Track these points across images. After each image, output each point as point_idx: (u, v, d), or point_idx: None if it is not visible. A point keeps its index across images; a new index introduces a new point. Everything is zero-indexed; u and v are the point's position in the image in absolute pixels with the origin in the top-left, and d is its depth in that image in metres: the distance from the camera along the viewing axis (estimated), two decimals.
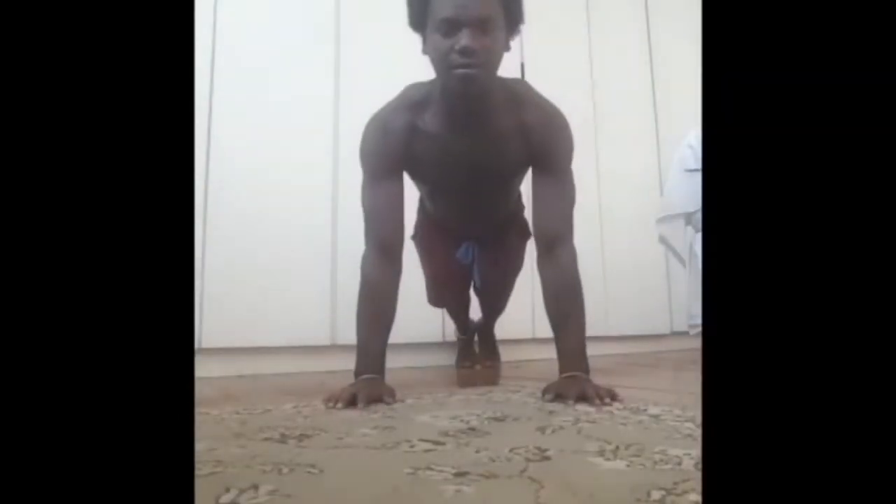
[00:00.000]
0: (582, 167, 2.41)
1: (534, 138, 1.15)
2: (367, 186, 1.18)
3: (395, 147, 1.15)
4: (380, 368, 1.12)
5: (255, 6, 1.92)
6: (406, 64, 2.11)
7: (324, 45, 2.01)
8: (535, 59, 2.34)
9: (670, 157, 2.40)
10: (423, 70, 1.13)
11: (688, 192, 2.18)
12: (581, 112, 2.48)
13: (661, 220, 2.28)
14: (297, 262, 1.85)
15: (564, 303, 1.14)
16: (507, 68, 1.08)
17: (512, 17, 1.09)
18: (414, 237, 1.42)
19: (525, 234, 1.42)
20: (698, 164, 2.17)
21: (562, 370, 1.10)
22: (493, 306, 1.55)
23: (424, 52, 1.11)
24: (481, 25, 1.01)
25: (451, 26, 1.01)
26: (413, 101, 1.15)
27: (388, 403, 1.03)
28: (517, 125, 1.14)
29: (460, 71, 1.02)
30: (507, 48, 1.11)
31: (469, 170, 1.17)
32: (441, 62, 1.05)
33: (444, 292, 1.48)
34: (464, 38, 1.00)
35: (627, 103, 2.60)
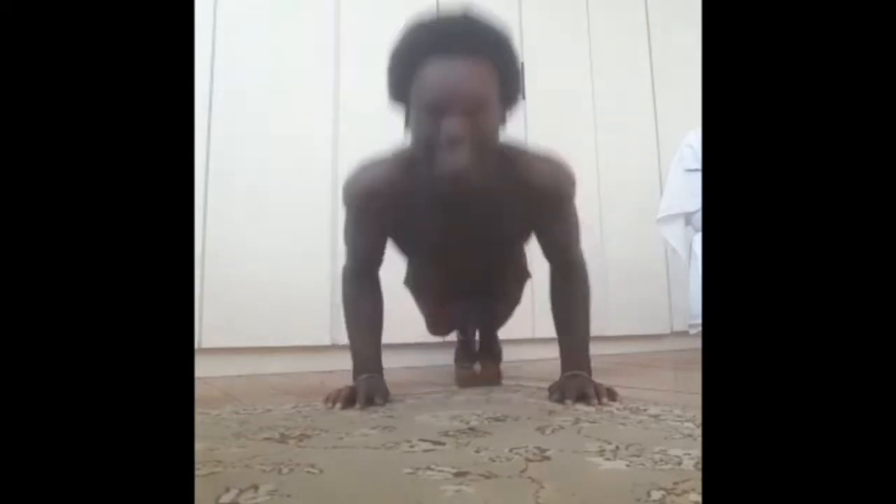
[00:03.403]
0: (582, 167, 2.44)
1: (533, 197, 1.05)
2: (349, 220, 1.13)
3: (382, 212, 1.08)
4: (377, 367, 1.12)
5: (255, 10, 1.92)
6: None
7: (324, 44, 2.01)
8: (535, 59, 2.34)
9: (670, 157, 2.41)
10: None
11: (688, 192, 2.18)
12: (581, 112, 2.49)
13: (661, 220, 2.28)
14: (297, 263, 1.85)
15: (572, 310, 1.14)
16: None
17: (509, 92, 0.98)
18: (406, 283, 1.39)
19: (524, 277, 1.39)
20: (698, 164, 2.17)
21: (564, 369, 1.10)
22: (497, 327, 1.57)
23: (407, 126, 0.99)
24: (472, 109, 0.90)
25: (437, 109, 0.90)
26: (407, 162, 1.03)
27: (378, 404, 1.02)
28: (515, 189, 1.04)
29: (447, 169, 0.90)
30: (504, 123, 0.99)
31: (462, 244, 1.11)
32: (426, 148, 0.93)
33: (443, 329, 1.53)
34: (451, 125, 0.88)
35: (627, 103, 2.60)
